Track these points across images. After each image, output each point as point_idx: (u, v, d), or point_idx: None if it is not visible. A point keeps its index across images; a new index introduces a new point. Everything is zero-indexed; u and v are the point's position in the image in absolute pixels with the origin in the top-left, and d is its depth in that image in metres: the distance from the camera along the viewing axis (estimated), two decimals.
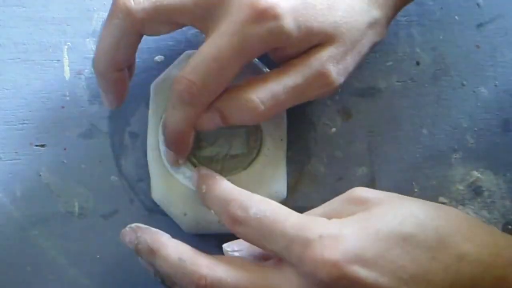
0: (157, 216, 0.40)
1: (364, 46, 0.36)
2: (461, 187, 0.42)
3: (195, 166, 0.38)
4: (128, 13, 0.33)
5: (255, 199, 0.33)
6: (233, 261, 0.33)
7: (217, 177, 0.36)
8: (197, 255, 0.33)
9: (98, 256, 0.39)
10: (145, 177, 0.40)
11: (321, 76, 0.34)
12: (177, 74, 0.38)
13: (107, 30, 0.34)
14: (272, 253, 0.32)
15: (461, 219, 0.32)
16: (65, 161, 0.40)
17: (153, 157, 0.38)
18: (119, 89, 0.36)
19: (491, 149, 0.42)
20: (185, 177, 0.38)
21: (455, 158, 0.42)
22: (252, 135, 0.39)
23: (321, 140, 0.42)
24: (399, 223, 0.30)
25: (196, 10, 0.33)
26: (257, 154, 0.39)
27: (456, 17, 0.43)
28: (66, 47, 0.40)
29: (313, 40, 0.34)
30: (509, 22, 0.43)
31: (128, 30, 0.34)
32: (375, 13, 0.36)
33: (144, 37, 0.41)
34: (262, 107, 0.34)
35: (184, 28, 0.41)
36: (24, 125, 0.40)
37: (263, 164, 0.38)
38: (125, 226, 0.39)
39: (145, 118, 0.39)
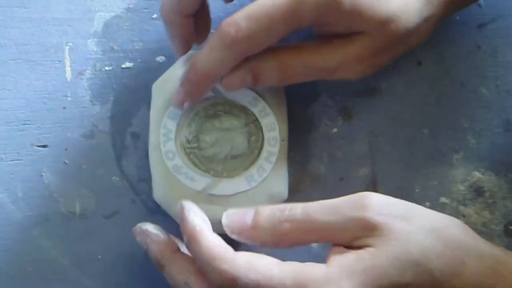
0: (159, 216, 0.40)
1: (402, 49, 0.37)
2: (462, 188, 0.42)
3: (196, 166, 0.38)
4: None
5: (239, 263, 0.31)
6: None
7: (197, 228, 0.33)
8: (202, 282, 0.33)
9: (99, 257, 0.39)
10: (147, 178, 0.40)
11: (354, 64, 0.36)
12: (179, 75, 0.38)
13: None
14: None
15: (459, 249, 0.32)
16: (66, 161, 0.40)
17: (154, 157, 0.38)
18: (184, 36, 0.36)
19: (492, 149, 0.42)
20: (186, 177, 0.38)
21: (456, 158, 0.42)
22: (253, 135, 0.39)
23: (322, 141, 0.42)
24: (399, 275, 0.31)
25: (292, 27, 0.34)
26: (258, 155, 0.39)
27: (457, 17, 0.43)
28: (67, 47, 0.40)
29: (361, 26, 0.35)
30: (510, 22, 0.43)
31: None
32: (426, 13, 0.36)
33: (145, 38, 0.41)
34: (293, 73, 0.35)
35: None
36: (26, 125, 0.40)
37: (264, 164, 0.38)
38: (126, 226, 0.39)
39: (147, 119, 0.39)
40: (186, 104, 0.37)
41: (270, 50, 0.35)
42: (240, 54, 0.34)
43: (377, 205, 0.32)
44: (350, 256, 0.31)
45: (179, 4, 0.35)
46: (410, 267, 0.31)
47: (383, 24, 0.35)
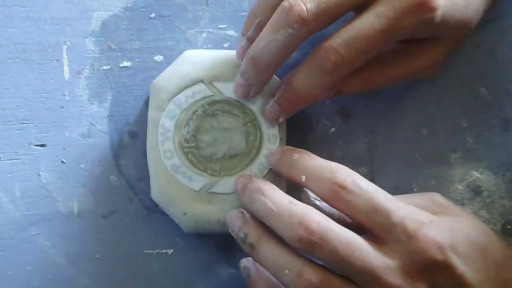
0: (157, 215, 0.40)
1: (462, 42, 0.41)
2: (460, 187, 0.42)
3: (194, 165, 0.38)
4: (303, 23, 0.34)
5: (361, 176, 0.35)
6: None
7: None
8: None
9: (97, 256, 0.39)
10: (145, 177, 0.40)
11: (431, 68, 0.39)
12: (179, 73, 0.38)
13: (279, 37, 0.34)
14: (369, 226, 0.34)
15: (501, 243, 0.36)
16: (64, 161, 0.40)
17: (152, 156, 0.38)
18: (267, 80, 0.37)
19: (491, 149, 0.42)
20: (184, 176, 0.38)
21: (455, 158, 0.42)
22: (251, 135, 0.39)
23: (320, 140, 0.42)
24: (479, 235, 0.35)
25: (358, 1, 0.35)
26: (256, 154, 0.39)
27: None
28: (65, 47, 0.40)
29: (443, 33, 0.38)
30: (509, 22, 0.43)
31: (302, 38, 0.34)
32: (484, 8, 0.39)
33: (143, 37, 0.41)
34: (374, 85, 0.39)
35: (183, 28, 0.41)
36: (24, 125, 0.40)
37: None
38: (124, 226, 0.40)
39: (145, 118, 0.39)
40: (280, 120, 0.38)
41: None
42: (339, 78, 0.35)
43: (438, 194, 0.38)
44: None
45: (279, 62, 0.35)
46: (484, 233, 0.35)
47: (461, 30, 0.38)
